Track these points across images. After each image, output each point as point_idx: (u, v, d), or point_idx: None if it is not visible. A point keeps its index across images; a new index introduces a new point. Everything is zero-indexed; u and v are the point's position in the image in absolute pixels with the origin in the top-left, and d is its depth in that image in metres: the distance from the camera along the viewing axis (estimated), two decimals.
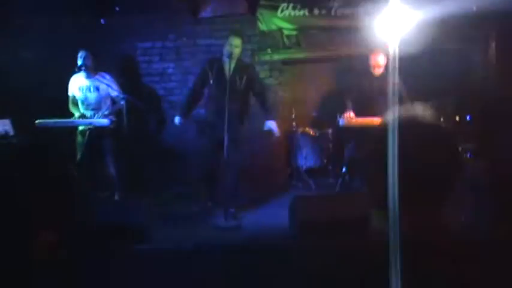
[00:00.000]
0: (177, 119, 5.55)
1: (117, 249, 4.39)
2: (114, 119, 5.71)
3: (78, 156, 5.77)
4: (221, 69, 5.33)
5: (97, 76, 5.81)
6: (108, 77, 5.87)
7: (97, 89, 5.85)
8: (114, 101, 5.92)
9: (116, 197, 5.84)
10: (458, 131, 6.09)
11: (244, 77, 5.34)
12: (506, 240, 4.16)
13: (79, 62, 5.72)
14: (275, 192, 6.37)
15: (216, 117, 5.32)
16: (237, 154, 5.43)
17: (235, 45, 5.28)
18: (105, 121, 5.64)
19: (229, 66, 5.32)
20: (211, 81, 5.33)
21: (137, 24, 6.96)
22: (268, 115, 5.49)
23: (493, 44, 6.58)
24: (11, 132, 5.57)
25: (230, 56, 5.23)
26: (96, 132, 5.72)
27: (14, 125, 5.65)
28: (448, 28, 6.18)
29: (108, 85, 5.77)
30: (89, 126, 5.74)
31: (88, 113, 5.87)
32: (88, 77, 5.81)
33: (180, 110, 5.66)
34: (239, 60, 5.39)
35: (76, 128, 5.82)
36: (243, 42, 5.47)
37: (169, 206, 6.02)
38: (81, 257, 3.69)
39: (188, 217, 5.61)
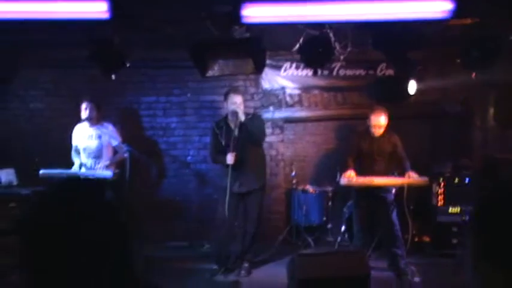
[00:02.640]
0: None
1: None
2: (116, 170, 5.76)
3: None
4: (228, 127, 5.43)
5: (99, 125, 5.94)
6: (110, 127, 6.00)
7: (99, 137, 5.95)
8: (115, 150, 6.01)
9: None
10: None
11: (251, 130, 5.40)
12: None
13: (83, 113, 5.85)
14: (274, 249, 6.33)
15: (230, 174, 5.32)
16: (253, 207, 5.49)
17: (236, 102, 5.40)
18: (108, 173, 5.68)
19: (235, 124, 5.42)
20: (222, 142, 5.40)
21: (143, 78, 7.16)
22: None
23: (491, 108, 6.75)
24: (15, 182, 5.60)
25: (234, 114, 5.36)
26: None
27: (18, 174, 5.70)
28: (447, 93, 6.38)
29: (110, 135, 5.89)
30: (91, 177, 5.77)
31: (89, 162, 5.93)
32: (91, 125, 5.94)
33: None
34: (244, 114, 5.48)
35: None
36: (245, 100, 5.62)
37: (168, 259, 5.98)
38: None
39: (186, 271, 5.57)
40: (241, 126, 5.38)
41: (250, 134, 5.36)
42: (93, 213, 1.23)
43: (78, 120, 5.94)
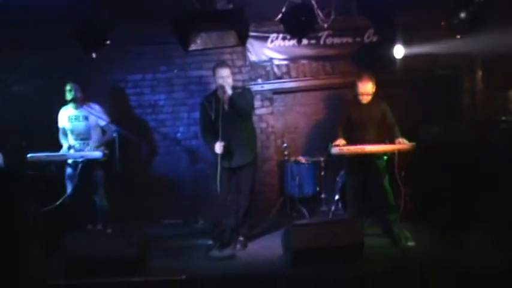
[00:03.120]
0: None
1: (111, 282, 4.35)
2: (106, 151, 5.70)
3: (70, 188, 5.74)
4: (218, 101, 5.33)
5: (85, 106, 5.86)
6: (96, 107, 5.92)
7: (86, 118, 5.87)
8: (103, 130, 5.95)
9: (108, 230, 5.79)
10: None
11: (239, 104, 5.31)
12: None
13: (68, 95, 5.77)
14: (268, 221, 6.34)
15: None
16: (245, 181, 5.47)
17: (223, 75, 5.31)
18: (97, 153, 5.62)
19: (224, 97, 5.33)
20: (212, 116, 5.33)
21: (128, 56, 7.06)
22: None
23: (479, 71, 6.70)
24: (3, 166, 5.56)
25: (221, 87, 5.27)
26: (88, 164, 5.70)
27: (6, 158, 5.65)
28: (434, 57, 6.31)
29: (96, 115, 5.82)
30: (81, 159, 5.71)
31: (77, 143, 5.87)
32: (76, 107, 5.86)
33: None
34: (233, 88, 5.39)
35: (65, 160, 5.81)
36: (233, 73, 5.53)
37: (163, 237, 5.99)
38: None
39: (182, 248, 5.58)
40: (230, 100, 5.31)
41: (239, 108, 5.30)
42: None
43: (64, 101, 5.85)
